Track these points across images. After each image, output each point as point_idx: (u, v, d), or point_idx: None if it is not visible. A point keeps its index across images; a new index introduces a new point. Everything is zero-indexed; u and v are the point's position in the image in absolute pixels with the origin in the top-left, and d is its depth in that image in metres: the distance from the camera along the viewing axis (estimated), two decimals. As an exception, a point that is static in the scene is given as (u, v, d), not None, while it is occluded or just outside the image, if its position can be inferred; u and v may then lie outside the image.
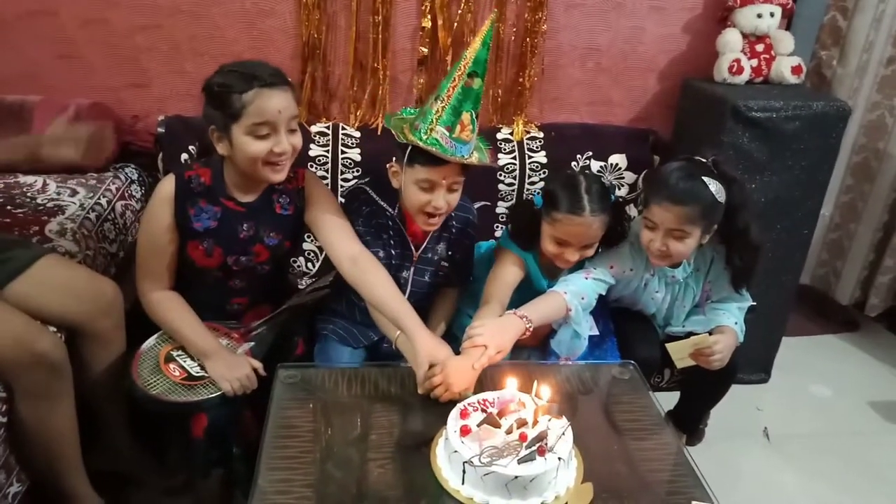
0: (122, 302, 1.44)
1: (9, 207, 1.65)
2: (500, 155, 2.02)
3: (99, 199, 1.75)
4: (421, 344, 1.31)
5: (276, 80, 1.33)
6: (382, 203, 1.51)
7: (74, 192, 1.74)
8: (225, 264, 1.46)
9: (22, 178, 1.78)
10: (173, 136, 1.89)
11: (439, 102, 1.37)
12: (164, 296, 1.45)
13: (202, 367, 1.41)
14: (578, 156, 2.05)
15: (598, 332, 1.61)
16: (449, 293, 1.65)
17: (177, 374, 1.39)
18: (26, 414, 1.27)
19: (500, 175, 2.00)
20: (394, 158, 1.47)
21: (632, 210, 2.03)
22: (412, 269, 1.56)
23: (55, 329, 1.35)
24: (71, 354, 1.34)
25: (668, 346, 1.54)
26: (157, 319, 1.45)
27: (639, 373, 1.42)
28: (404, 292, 1.52)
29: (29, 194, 1.71)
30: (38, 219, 1.61)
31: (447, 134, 1.37)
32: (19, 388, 1.25)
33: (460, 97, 1.36)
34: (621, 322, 1.70)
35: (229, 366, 1.39)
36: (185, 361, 1.42)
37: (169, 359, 1.43)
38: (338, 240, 1.45)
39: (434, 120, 1.37)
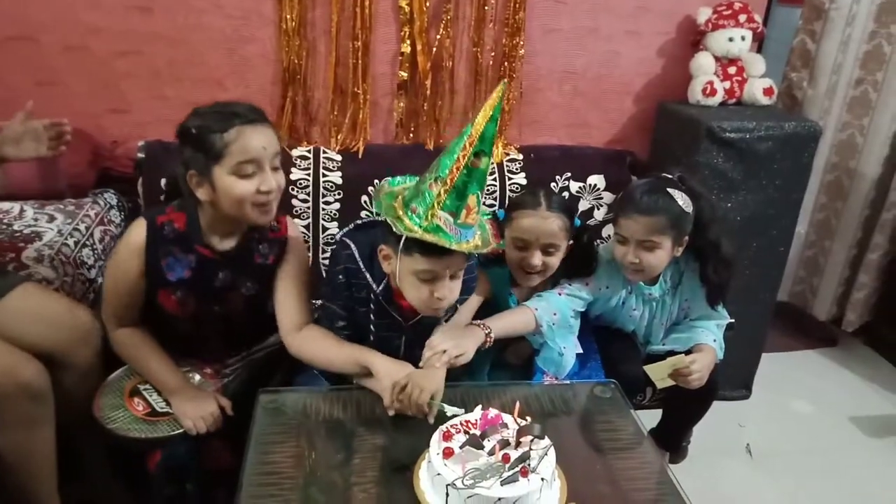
0: (100, 331, 1.42)
1: (-15, 234, 1.63)
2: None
3: (77, 224, 1.74)
4: (380, 367, 1.30)
5: (256, 117, 1.30)
6: (367, 276, 1.36)
7: (52, 218, 1.73)
8: (197, 313, 1.42)
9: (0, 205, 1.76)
10: (153, 160, 1.89)
11: (440, 184, 1.17)
12: (128, 332, 1.42)
13: (168, 403, 1.37)
14: (557, 177, 2.07)
15: (581, 351, 1.62)
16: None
17: (140, 408, 1.36)
18: (6, 442, 1.25)
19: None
20: (385, 242, 1.29)
21: (609, 230, 2.05)
22: (403, 338, 1.43)
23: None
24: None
25: (647, 368, 1.56)
26: (122, 356, 1.43)
27: (620, 391, 1.42)
28: (398, 354, 1.41)
29: (5, 221, 1.69)
30: (15, 245, 1.59)
31: (451, 220, 1.18)
32: (0, 416, 1.23)
33: (465, 178, 1.17)
34: (604, 340, 1.71)
35: (194, 403, 1.35)
36: (150, 396, 1.39)
37: (134, 392, 1.40)
38: (293, 306, 1.41)
39: (435, 204, 1.17)
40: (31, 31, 1.88)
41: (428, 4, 1.96)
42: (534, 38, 2.08)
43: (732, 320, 1.68)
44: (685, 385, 1.54)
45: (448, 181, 1.16)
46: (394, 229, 1.21)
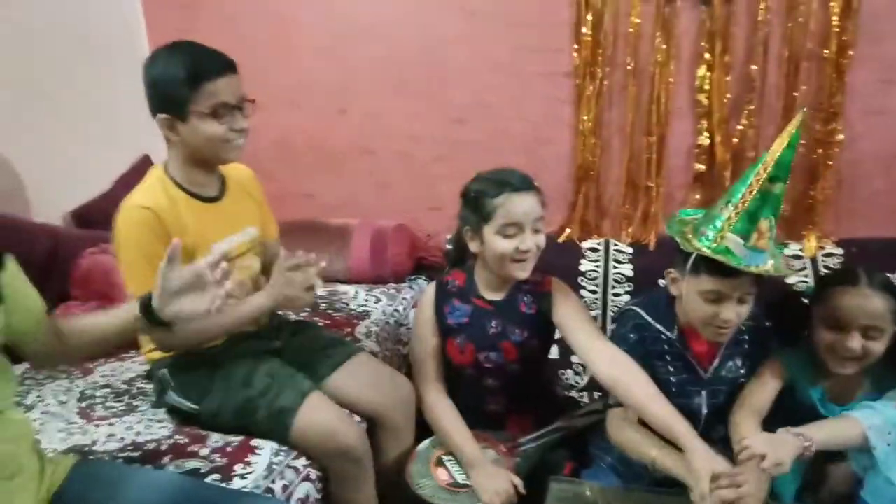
0: (415, 398, 1.59)
1: (330, 311, 1.97)
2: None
3: (397, 306, 2.00)
4: (698, 454, 1.21)
5: (524, 186, 1.46)
6: (658, 326, 1.43)
7: (378, 300, 2.02)
8: (477, 361, 1.55)
9: (341, 288, 2.12)
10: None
11: (731, 208, 1.26)
12: (438, 400, 1.57)
13: (467, 476, 1.46)
14: (889, 275, 1.79)
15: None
16: None
17: (444, 478, 1.47)
18: (336, 495, 1.45)
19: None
20: (673, 266, 1.39)
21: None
22: (704, 394, 1.43)
23: (360, 419, 1.53)
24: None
25: None
26: (431, 422, 1.57)
27: None
28: (699, 420, 1.42)
29: (345, 301, 2.04)
30: (351, 322, 1.89)
31: (741, 243, 1.25)
32: (330, 471, 1.44)
33: (758, 203, 1.24)
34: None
35: (491, 478, 1.42)
36: (452, 467, 1.50)
37: (439, 462, 1.51)
38: (590, 340, 1.45)
39: (725, 227, 1.26)
40: (371, 145, 2.29)
41: (729, 97, 1.92)
42: (853, 122, 1.89)
43: None
44: None
45: (740, 205, 1.25)
46: (683, 248, 1.31)
